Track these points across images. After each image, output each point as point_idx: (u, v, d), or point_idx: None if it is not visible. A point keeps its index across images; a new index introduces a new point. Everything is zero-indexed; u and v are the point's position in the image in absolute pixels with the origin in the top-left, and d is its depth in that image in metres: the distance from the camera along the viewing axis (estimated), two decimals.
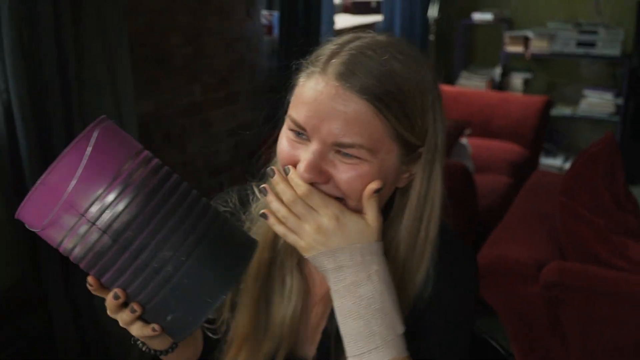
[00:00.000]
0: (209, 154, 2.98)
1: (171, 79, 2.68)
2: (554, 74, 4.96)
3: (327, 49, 0.85)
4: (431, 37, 4.87)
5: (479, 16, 4.77)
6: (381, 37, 0.88)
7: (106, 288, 0.82)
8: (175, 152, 2.74)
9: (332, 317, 0.92)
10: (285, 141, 0.87)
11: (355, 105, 0.79)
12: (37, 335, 2.05)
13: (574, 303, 1.66)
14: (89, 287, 0.83)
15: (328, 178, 0.83)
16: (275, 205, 0.82)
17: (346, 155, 0.81)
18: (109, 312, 0.83)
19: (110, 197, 0.76)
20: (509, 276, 1.71)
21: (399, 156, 0.85)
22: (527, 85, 4.79)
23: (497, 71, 4.79)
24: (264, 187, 0.82)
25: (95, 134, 0.76)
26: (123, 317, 0.81)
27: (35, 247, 1.89)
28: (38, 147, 1.83)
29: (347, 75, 0.80)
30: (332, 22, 3.59)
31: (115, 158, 0.77)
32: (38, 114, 1.84)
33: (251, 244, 0.84)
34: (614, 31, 4.45)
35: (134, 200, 0.77)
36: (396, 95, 0.81)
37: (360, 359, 0.82)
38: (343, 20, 4.18)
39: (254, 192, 1.00)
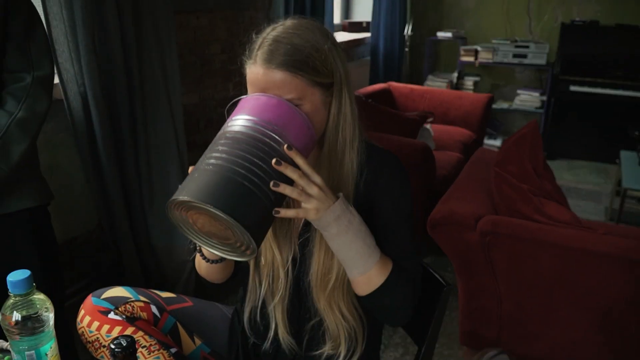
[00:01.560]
0: None
1: (212, 79, 2.62)
2: (496, 78, 4.85)
3: (254, 42, 0.91)
4: (406, 49, 4.76)
5: (441, 34, 4.64)
6: (289, 22, 0.92)
7: None
8: (215, 133, 2.68)
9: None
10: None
11: (278, 76, 0.86)
12: (110, 267, 2.03)
13: (502, 247, 1.61)
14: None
15: None
16: (288, 189, 0.79)
17: None
18: None
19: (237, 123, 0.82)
20: (455, 225, 1.66)
21: (321, 95, 0.90)
22: (476, 86, 4.69)
23: (455, 75, 4.67)
24: (275, 183, 0.78)
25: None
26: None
27: (109, 201, 1.85)
28: (109, 130, 1.78)
29: (268, 60, 0.86)
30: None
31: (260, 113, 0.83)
32: (109, 104, 1.78)
33: (243, 213, 0.77)
34: (541, 45, 4.32)
35: (238, 133, 0.80)
36: (301, 59, 0.87)
37: (366, 268, 0.89)
38: (342, 36, 4.07)
39: None
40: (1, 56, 1.22)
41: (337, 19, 4.40)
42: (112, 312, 1.05)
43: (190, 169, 0.82)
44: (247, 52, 0.92)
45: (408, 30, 4.66)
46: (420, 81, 4.84)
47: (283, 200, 0.82)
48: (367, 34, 4.28)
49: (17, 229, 1.31)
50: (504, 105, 4.60)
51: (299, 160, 0.81)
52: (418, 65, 5.02)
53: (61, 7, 1.61)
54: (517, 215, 1.63)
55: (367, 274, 0.89)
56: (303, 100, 0.87)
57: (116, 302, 1.07)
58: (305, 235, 0.99)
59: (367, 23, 4.31)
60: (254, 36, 0.93)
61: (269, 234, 0.99)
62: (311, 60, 0.87)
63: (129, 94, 1.83)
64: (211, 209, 0.72)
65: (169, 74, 1.96)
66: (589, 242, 1.51)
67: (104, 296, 1.08)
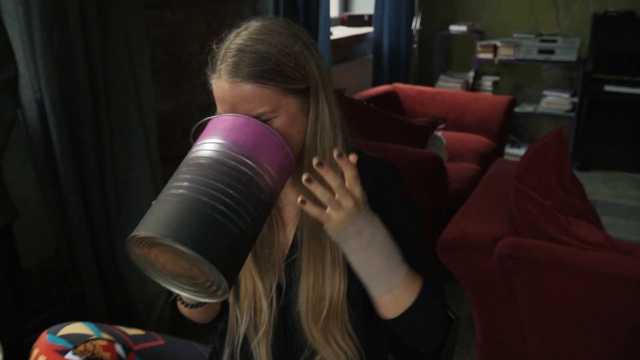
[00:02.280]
0: None
1: (189, 82, 2.65)
2: (519, 77, 4.91)
3: (217, 54, 0.93)
4: (414, 46, 4.82)
5: (455, 28, 4.71)
6: (253, 26, 0.95)
7: None
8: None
9: (299, 226, 0.99)
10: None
11: (247, 89, 0.88)
12: (70, 300, 2.04)
13: (524, 272, 1.63)
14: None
15: None
16: (320, 190, 0.83)
17: (265, 120, 0.89)
18: None
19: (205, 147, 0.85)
20: (470, 249, 1.67)
21: (298, 102, 0.92)
22: (496, 86, 4.75)
23: (471, 75, 4.73)
24: (309, 178, 0.82)
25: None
26: None
27: (69, 224, 1.86)
28: (69, 142, 1.80)
29: (233, 73, 0.89)
30: (329, 34, 3.52)
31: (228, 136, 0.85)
32: (69, 112, 1.80)
33: (211, 249, 0.79)
34: (570, 39, 4.38)
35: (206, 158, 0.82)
36: (269, 67, 0.89)
37: (392, 287, 0.90)
38: (340, 31, 4.12)
39: None
40: None
41: (334, 11, 4.46)
42: (70, 352, 1.06)
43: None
44: (209, 66, 0.94)
45: (416, 24, 4.72)
46: (430, 82, 4.89)
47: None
48: (370, 29, 4.33)
49: None
50: (529, 108, 4.65)
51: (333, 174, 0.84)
52: (428, 64, 5.08)
53: (15, 2, 1.64)
54: (540, 236, 1.65)
55: (393, 293, 0.91)
56: (277, 111, 0.90)
57: (75, 340, 1.08)
58: (292, 257, 1.01)
59: (369, 16, 4.38)
60: (214, 47, 0.95)
61: (249, 259, 1.00)
62: (280, 67, 0.90)
63: (92, 100, 1.85)
64: (171, 243, 0.73)
65: (140, 77, 1.99)
66: (624, 267, 1.52)
67: (61, 333, 1.09)
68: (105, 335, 1.12)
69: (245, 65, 0.88)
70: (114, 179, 1.96)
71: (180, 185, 0.79)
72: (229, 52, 0.91)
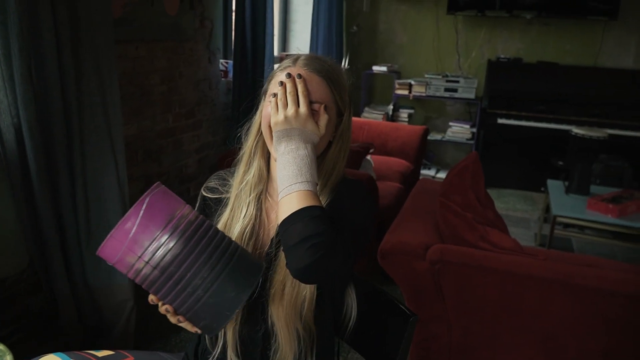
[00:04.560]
0: (180, 166, 2.87)
1: (151, 109, 2.57)
2: (429, 110, 5.08)
3: (287, 61, 1.02)
4: None
5: (377, 68, 4.83)
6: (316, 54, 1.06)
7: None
8: (154, 165, 2.62)
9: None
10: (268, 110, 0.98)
11: (315, 78, 0.97)
12: (42, 311, 1.90)
13: (450, 274, 1.67)
14: (150, 302, 0.90)
15: None
16: (281, 92, 0.94)
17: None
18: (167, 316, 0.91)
19: (157, 244, 0.80)
20: (405, 255, 1.70)
21: (334, 115, 1.00)
22: (411, 118, 4.89)
23: (390, 107, 4.86)
24: (282, 82, 0.94)
25: (147, 200, 0.81)
26: (173, 320, 0.90)
27: (42, 238, 1.75)
28: (44, 163, 1.70)
29: (309, 65, 0.98)
30: (272, 69, 3.52)
31: (162, 215, 0.81)
32: (45, 135, 1.70)
33: (257, 268, 0.89)
34: (470, 80, 4.59)
35: (176, 244, 0.81)
36: (335, 78, 1.00)
37: (290, 189, 0.89)
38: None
39: (227, 174, 1.12)
40: None
41: (275, 51, 4.46)
42: None
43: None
44: (277, 69, 1.02)
45: (345, 63, 4.82)
46: (357, 113, 4.98)
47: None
48: None
49: None
50: (437, 136, 4.82)
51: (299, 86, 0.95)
52: (355, 98, 5.17)
53: None
54: (463, 243, 1.71)
55: (289, 196, 0.88)
56: (327, 110, 0.97)
57: None
58: (272, 247, 1.01)
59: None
60: (278, 71, 1.02)
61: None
62: (341, 85, 1.01)
63: (66, 125, 1.76)
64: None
65: (110, 105, 1.90)
66: (532, 267, 1.60)
67: None
68: None
69: (318, 64, 0.99)
70: (84, 197, 1.86)
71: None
72: (305, 56, 1.01)
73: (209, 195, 1.10)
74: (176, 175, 2.83)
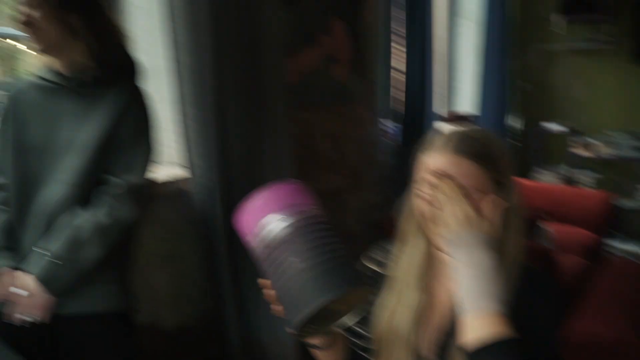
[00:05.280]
0: (345, 227, 2.89)
1: (317, 170, 2.64)
2: (615, 172, 4.51)
3: (434, 137, 0.98)
4: (509, 140, 4.64)
5: (550, 125, 4.47)
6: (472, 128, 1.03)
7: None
8: None
9: (451, 322, 0.94)
10: (421, 201, 0.95)
11: (466, 164, 0.93)
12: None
13: None
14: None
15: None
16: (433, 192, 0.92)
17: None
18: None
19: (273, 226, 0.86)
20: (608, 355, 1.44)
21: (499, 201, 0.93)
22: (594, 181, 4.39)
23: (566, 168, 4.43)
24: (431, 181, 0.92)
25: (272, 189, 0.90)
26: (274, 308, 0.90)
27: (218, 287, 1.83)
28: (229, 218, 1.79)
29: (459, 149, 0.93)
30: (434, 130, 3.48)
31: (280, 205, 0.87)
32: (230, 195, 1.81)
33: (353, 280, 0.85)
34: None
35: (287, 231, 0.85)
36: (487, 152, 0.94)
37: (478, 307, 0.81)
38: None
39: (389, 246, 1.09)
40: (104, 157, 1.27)
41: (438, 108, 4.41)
42: None
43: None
44: (423, 146, 0.98)
45: (515, 122, 4.55)
46: (526, 175, 4.62)
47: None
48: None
49: (85, 335, 1.28)
50: (625, 202, 4.23)
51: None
52: (523, 158, 4.82)
53: None
54: None
55: (478, 316, 0.82)
56: (482, 196, 0.91)
57: None
58: (444, 342, 0.95)
59: (474, 115, 4.28)
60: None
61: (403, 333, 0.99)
62: (495, 158, 0.94)
63: (247, 184, 1.85)
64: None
65: (282, 169, 2.00)
66: None
67: None
68: None
69: (469, 144, 0.93)
70: None
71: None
72: (454, 135, 0.95)
73: (372, 267, 1.11)
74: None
